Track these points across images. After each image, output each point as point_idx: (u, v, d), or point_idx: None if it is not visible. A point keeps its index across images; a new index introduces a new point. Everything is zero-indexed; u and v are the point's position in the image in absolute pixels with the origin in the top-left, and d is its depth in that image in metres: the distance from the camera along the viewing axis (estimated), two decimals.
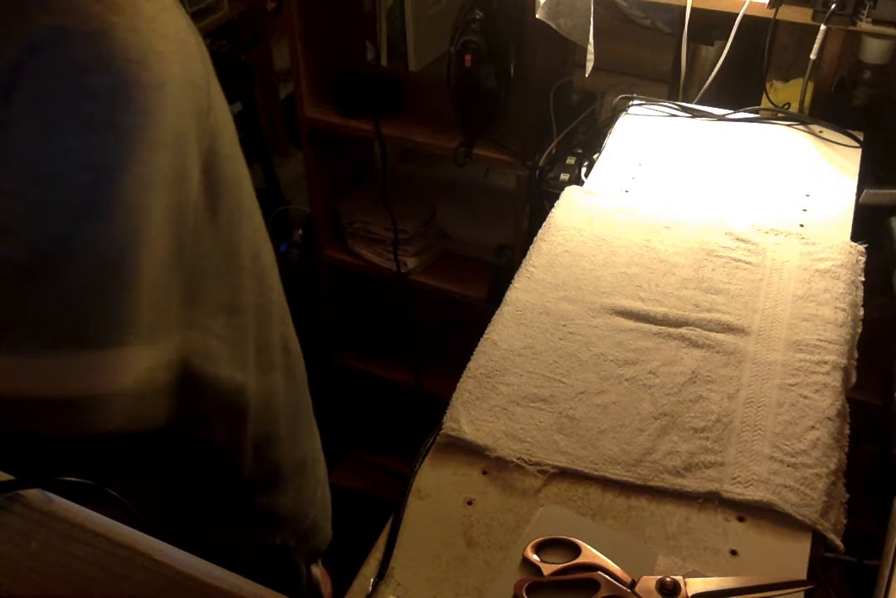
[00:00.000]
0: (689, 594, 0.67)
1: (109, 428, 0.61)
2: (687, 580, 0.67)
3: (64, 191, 0.55)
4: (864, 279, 1.00)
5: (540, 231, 1.08)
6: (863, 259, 1.02)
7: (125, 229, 0.57)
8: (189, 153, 0.61)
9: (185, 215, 0.62)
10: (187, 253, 0.63)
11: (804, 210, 1.12)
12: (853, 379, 0.89)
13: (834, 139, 1.27)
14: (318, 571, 1.05)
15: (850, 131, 1.28)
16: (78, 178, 0.55)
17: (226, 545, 0.87)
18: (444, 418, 0.82)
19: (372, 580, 0.69)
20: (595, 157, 1.29)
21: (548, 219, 1.10)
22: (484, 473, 0.78)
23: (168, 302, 0.62)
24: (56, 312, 0.56)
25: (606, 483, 0.77)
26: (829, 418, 0.82)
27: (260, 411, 0.82)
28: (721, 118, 1.32)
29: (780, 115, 1.34)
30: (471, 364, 0.88)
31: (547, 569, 0.69)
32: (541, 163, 1.53)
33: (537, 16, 1.31)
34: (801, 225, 1.09)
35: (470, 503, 0.75)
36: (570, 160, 1.51)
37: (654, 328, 0.92)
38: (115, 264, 0.57)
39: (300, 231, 2.04)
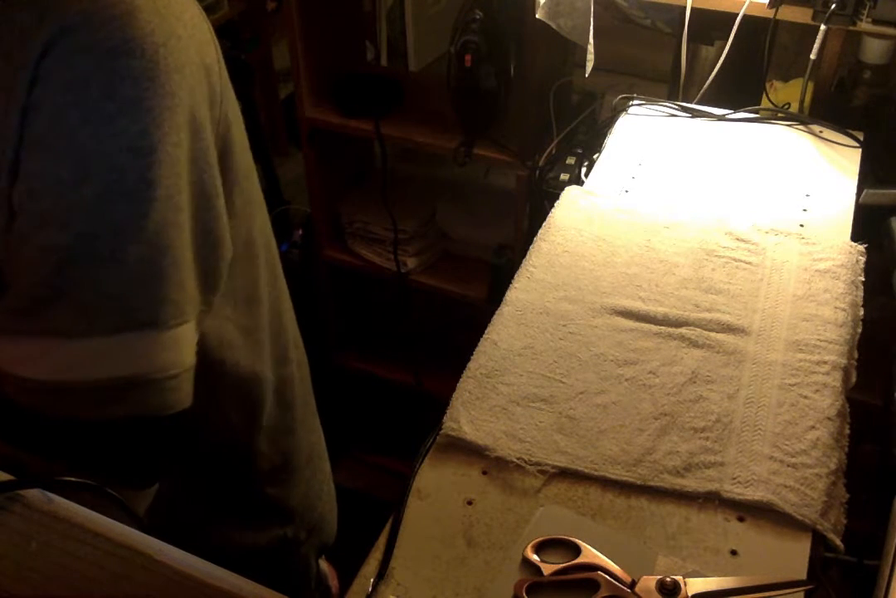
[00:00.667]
0: (689, 594, 0.67)
1: (183, 406, 0.62)
2: (687, 580, 0.67)
3: (110, 176, 0.56)
4: (864, 279, 1.00)
5: (540, 231, 1.08)
6: (863, 259, 1.02)
7: (165, 210, 0.58)
8: (206, 138, 0.62)
9: (208, 200, 0.63)
10: (209, 239, 0.64)
11: (804, 210, 1.12)
12: (853, 379, 0.89)
13: (834, 139, 1.27)
14: (324, 565, 1.05)
15: (850, 131, 1.28)
16: (122, 162, 0.56)
17: (240, 538, 0.88)
18: (444, 418, 0.82)
19: (372, 580, 0.69)
20: (595, 157, 1.29)
21: (548, 219, 1.10)
22: (484, 473, 0.78)
23: (199, 285, 0.63)
24: (113, 294, 0.57)
25: (606, 483, 0.77)
26: (829, 418, 0.82)
27: (275, 401, 0.83)
28: (721, 118, 1.32)
29: (780, 115, 1.34)
30: (471, 364, 0.88)
31: (547, 569, 0.69)
32: (541, 163, 1.53)
33: (537, 16, 1.31)
34: (801, 225, 1.09)
35: (470, 503, 0.75)
36: (570, 160, 1.51)
37: (654, 328, 0.92)
38: (160, 246, 0.58)
39: (300, 231, 2.04)
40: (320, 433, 0.99)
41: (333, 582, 1.09)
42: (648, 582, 0.67)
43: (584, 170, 1.36)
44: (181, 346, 0.61)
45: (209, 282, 0.64)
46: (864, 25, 1.23)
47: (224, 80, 0.66)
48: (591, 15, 1.32)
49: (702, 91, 1.40)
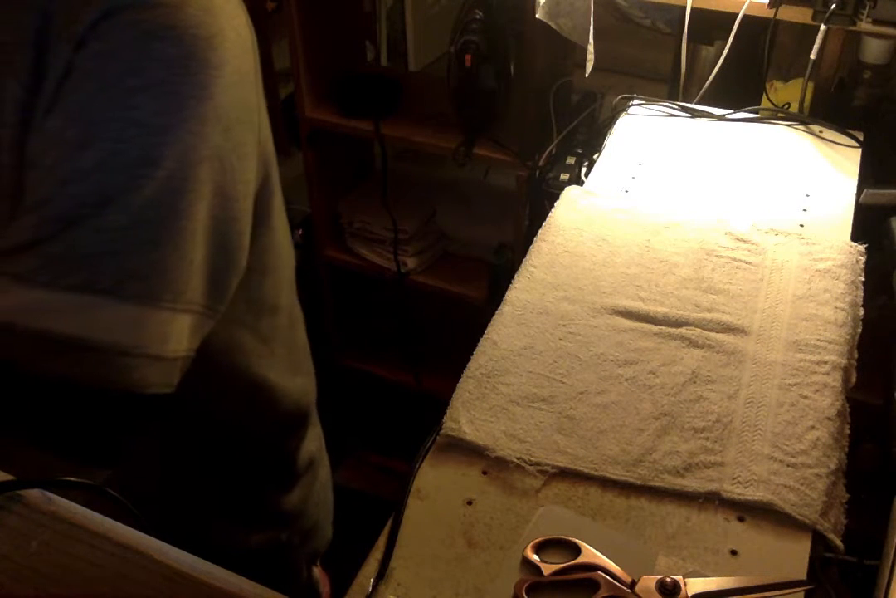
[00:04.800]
0: (689, 594, 0.67)
1: (140, 391, 0.61)
2: (687, 580, 0.67)
3: (113, 146, 0.56)
4: (864, 279, 1.00)
5: (540, 231, 1.08)
6: (863, 259, 1.02)
7: (161, 191, 0.58)
8: (244, 142, 0.63)
9: (228, 200, 0.63)
10: (232, 240, 0.64)
11: (804, 210, 1.12)
12: (853, 379, 0.89)
13: (834, 139, 1.27)
14: (317, 571, 1.05)
15: (850, 131, 1.28)
16: (128, 135, 0.56)
17: (235, 537, 0.89)
18: (444, 418, 0.82)
19: (372, 580, 0.69)
20: (595, 157, 1.29)
21: (548, 219, 1.10)
22: (484, 473, 0.78)
23: (202, 285, 0.63)
24: (81, 256, 0.57)
25: (606, 483, 0.77)
26: (829, 418, 0.82)
27: (288, 410, 0.83)
28: (721, 118, 1.32)
29: (780, 115, 1.34)
30: (471, 364, 0.88)
31: (547, 569, 0.69)
32: (541, 163, 1.53)
33: (537, 16, 1.31)
34: (801, 225, 1.09)
35: (470, 503, 0.75)
36: (570, 160, 1.51)
37: (654, 328, 0.92)
38: (145, 224, 0.58)
39: (300, 231, 2.03)
40: (322, 441, 0.99)
41: (325, 589, 1.09)
42: (648, 582, 0.67)
43: (584, 170, 1.36)
44: (147, 327, 0.60)
45: (215, 287, 0.64)
46: (864, 25, 1.23)
47: (260, 93, 0.66)
48: (591, 15, 1.32)
49: (702, 91, 1.40)
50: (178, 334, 0.61)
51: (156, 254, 0.59)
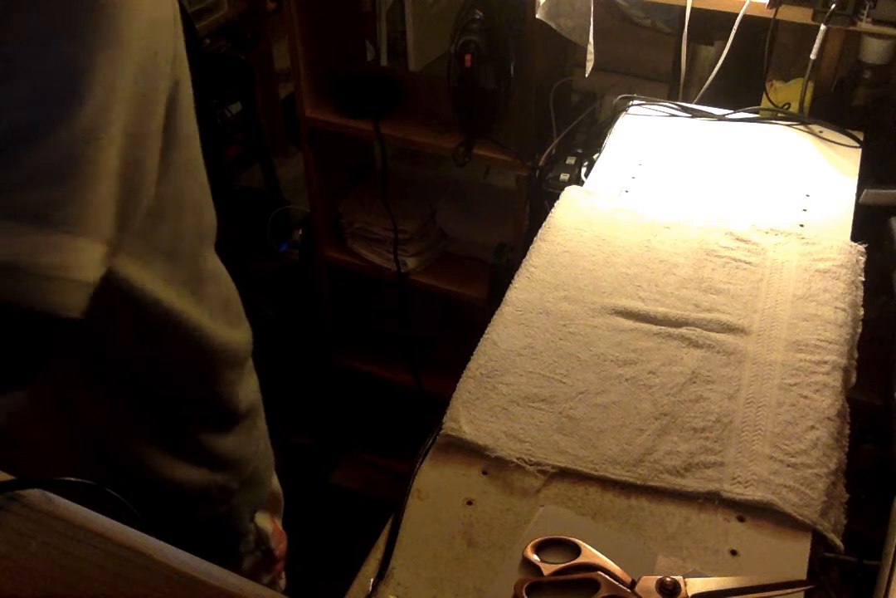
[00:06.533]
0: (689, 594, 0.67)
1: (65, 314, 0.64)
2: (687, 580, 0.67)
3: (44, 81, 0.60)
4: (864, 279, 1.00)
5: (540, 231, 1.08)
6: (863, 259, 1.02)
7: (87, 127, 0.61)
8: (155, 88, 0.66)
9: (141, 138, 0.66)
10: (134, 175, 0.67)
11: (804, 210, 1.12)
12: (853, 379, 0.89)
13: (834, 139, 1.27)
14: (271, 526, 1.06)
15: (850, 131, 1.28)
16: (55, 71, 0.60)
17: (173, 474, 0.91)
18: (444, 418, 0.82)
19: (372, 580, 0.69)
20: (595, 157, 1.29)
21: (548, 219, 1.10)
22: (484, 473, 0.78)
23: (112, 215, 0.66)
24: (15, 191, 0.60)
25: (606, 483, 0.77)
26: (829, 418, 0.82)
27: (219, 353, 0.86)
28: (721, 118, 1.32)
29: (780, 115, 1.34)
30: (471, 364, 0.88)
31: (547, 569, 0.69)
32: (541, 163, 1.53)
33: (537, 16, 1.31)
34: (802, 225, 1.09)
35: (470, 503, 0.76)
36: (570, 160, 1.51)
37: (654, 328, 0.92)
38: (72, 157, 0.61)
39: (300, 231, 2.04)
40: (259, 391, 1.01)
41: (280, 545, 1.09)
42: (648, 582, 0.67)
43: (584, 170, 1.36)
44: (68, 253, 0.63)
45: (123, 221, 0.67)
46: (864, 25, 1.23)
47: (179, 41, 0.69)
48: (591, 15, 1.32)
49: (702, 91, 1.40)
50: (93, 261, 0.65)
51: (75, 186, 0.62)
